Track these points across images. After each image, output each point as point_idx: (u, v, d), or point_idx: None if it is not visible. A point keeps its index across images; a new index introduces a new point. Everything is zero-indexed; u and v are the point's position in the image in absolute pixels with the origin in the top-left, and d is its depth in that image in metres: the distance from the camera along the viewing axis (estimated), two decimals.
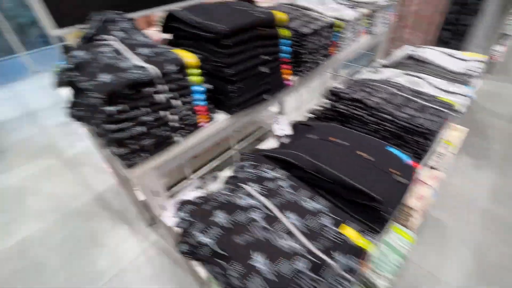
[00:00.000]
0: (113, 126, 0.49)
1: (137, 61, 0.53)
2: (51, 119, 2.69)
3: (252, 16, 0.65)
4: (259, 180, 0.55)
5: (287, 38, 0.73)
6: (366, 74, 1.14)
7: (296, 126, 0.86)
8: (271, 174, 0.57)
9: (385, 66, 1.18)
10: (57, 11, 0.65)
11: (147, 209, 1.57)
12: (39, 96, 3.16)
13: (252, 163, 0.61)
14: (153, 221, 1.59)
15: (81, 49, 0.56)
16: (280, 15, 0.69)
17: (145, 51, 0.57)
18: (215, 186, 0.73)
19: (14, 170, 2.08)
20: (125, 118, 0.50)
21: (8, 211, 1.74)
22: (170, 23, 0.73)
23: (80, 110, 0.62)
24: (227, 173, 0.83)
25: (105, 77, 0.50)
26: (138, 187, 0.63)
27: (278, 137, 0.88)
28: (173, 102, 0.56)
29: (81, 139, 2.33)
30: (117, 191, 1.80)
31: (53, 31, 0.66)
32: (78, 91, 0.61)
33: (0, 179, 2.00)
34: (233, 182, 0.59)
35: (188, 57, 0.56)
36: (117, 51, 0.56)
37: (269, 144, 0.92)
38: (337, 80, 1.29)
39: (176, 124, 0.58)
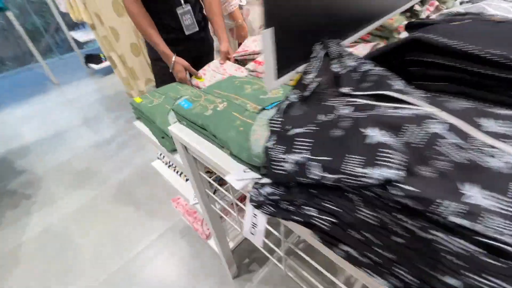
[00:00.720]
0: None
1: None
2: (83, 139, 2.43)
3: None
4: None
5: None
6: None
7: None
8: None
9: None
10: (283, 55, 0.38)
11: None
12: (65, 113, 2.90)
13: None
14: (239, 272, 1.34)
15: (382, 127, 0.29)
16: None
17: (493, 125, 0.30)
18: None
19: (55, 204, 1.82)
20: None
21: (59, 260, 1.48)
22: (409, 56, 0.47)
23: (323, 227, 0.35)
24: None
25: (482, 196, 0.24)
26: None
27: None
28: None
29: (124, 164, 2.07)
30: (185, 229, 1.54)
31: (271, 84, 0.40)
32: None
33: (42, 216, 1.75)
34: None
35: None
36: (457, 131, 0.29)
37: None
38: None
39: None
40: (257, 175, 0.51)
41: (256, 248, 0.89)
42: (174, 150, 0.87)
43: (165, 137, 0.89)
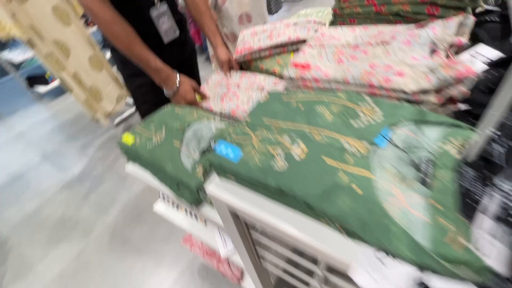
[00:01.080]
0: None
1: None
2: (49, 180, 2.03)
3: None
4: None
5: None
6: None
7: None
8: None
9: None
10: None
11: None
12: (17, 150, 2.43)
13: None
14: None
15: None
16: None
17: None
18: None
19: (33, 271, 1.47)
20: None
21: None
22: None
23: None
24: None
25: None
26: None
27: None
28: None
29: (108, 203, 1.74)
30: (203, 269, 1.31)
31: None
32: None
33: None
34: None
35: None
36: None
37: None
38: None
39: None
40: (416, 272, 0.30)
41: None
42: (199, 202, 0.64)
43: (181, 187, 0.65)
